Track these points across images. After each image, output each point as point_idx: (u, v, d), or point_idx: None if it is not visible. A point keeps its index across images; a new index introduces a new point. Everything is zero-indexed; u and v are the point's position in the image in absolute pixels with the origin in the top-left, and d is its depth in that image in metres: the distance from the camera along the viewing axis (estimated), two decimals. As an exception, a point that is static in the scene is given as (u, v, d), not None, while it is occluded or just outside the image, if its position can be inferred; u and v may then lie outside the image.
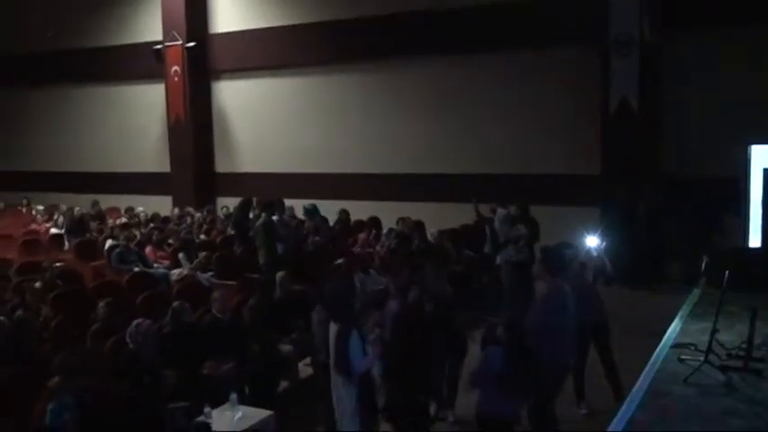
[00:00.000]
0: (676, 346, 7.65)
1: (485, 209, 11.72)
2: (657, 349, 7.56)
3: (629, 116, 11.80)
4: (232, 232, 12.59)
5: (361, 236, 12.20)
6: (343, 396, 5.61)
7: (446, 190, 13.77)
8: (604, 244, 7.66)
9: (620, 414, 5.80)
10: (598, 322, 6.99)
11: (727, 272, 7.34)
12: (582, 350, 6.77)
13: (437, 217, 12.11)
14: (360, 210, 13.56)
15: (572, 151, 12.74)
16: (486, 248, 11.12)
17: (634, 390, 6.57)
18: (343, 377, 5.54)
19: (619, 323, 7.60)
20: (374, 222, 13.29)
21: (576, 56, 12.62)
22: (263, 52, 15.66)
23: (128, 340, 6.54)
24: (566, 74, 12.76)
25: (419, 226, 11.19)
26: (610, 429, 4.47)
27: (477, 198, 11.62)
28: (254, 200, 11.78)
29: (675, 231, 11.43)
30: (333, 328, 5.67)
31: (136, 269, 10.28)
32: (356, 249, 11.39)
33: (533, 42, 12.90)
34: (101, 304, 7.51)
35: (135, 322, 6.58)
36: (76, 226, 13.18)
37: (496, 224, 11.34)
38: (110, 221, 13.98)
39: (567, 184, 12.74)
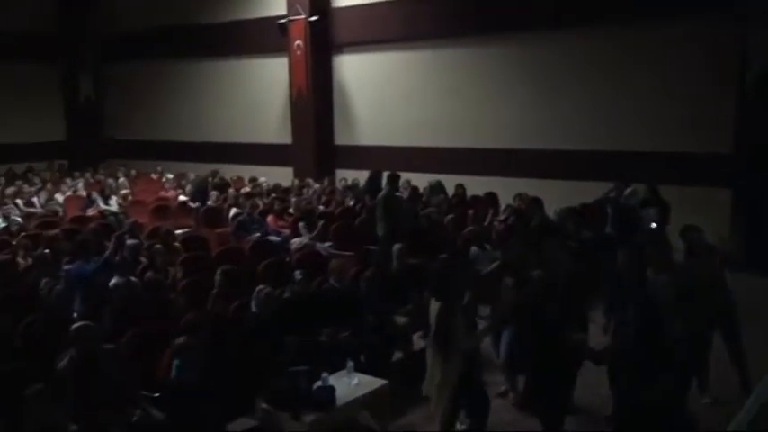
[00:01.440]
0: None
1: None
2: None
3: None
4: (351, 203, 12.82)
5: (471, 211, 12.10)
6: (436, 374, 5.61)
7: (566, 167, 13.44)
8: (735, 227, 7.30)
9: (747, 406, 5.46)
10: (725, 309, 6.70)
11: None
12: (706, 338, 6.50)
13: (555, 194, 11.86)
14: (477, 185, 13.47)
15: (701, 128, 12.02)
16: (608, 229, 10.78)
17: (764, 382, 6.23)
18: (443, 355, 5.53)
19: (749, 311, 7.24)
20: (491, 198, 13.17)
21: (709, 26, 11.88)
22: (384, 26, 15.69)
23: (251, 305, 6.82)
24: (697, 46, 12.02)
25: (537, 202, 11.00)
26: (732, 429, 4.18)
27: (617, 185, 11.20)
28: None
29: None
30: (434, 305, 5.67)
31: (257, 237, 10.63)
32: (469, 226, 11.30)
33: (664, 12, 12.28)
34: (218, 271, 7.81)
35: (257, 288, 6.86)
36: (199, 194, 13.78)
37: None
38: (232, 191, 14.48)
39: (694, 163, 12.12)
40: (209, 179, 15.24)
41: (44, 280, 7.86)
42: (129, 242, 8.66)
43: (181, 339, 5.88)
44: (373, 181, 12.04)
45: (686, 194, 11.33)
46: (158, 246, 8.89)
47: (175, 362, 5.74)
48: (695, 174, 11.96)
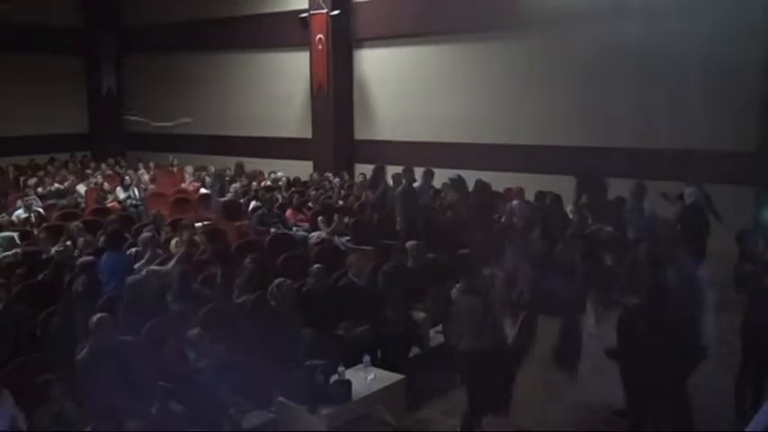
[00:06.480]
0: None
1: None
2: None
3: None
4: (367, 196, 12.78)
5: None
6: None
7: (588, 164, 13.23)
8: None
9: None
10: None
11: None
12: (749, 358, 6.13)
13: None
14: (499, 181, 13.33)
15: (722, 125, 11.84)
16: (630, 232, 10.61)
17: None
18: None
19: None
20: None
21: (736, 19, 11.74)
22: (404, 20, 15.59)
23: (269, 298, 6.81)
24: (727, 40, 11.86)
25: (557, 200, 10.91)
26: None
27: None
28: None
29: None
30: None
31: (276, 230, 10.64)
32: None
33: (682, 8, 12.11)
34: (247, 259, 7.82)
35: (276, 281, 6.85)
36: (219, 186, 13.79)
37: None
38: (254, 184, 14.49)
39: (716, 161, 11.92)
40: (228, 171, 15.24)
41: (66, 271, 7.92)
42: (145, 234, 8.70)
43: (194, 331, 5.90)
44: (375, 175, 12.02)
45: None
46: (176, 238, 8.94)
47: (191, 354, 5.77)
48: (716, 171, 11.74)
